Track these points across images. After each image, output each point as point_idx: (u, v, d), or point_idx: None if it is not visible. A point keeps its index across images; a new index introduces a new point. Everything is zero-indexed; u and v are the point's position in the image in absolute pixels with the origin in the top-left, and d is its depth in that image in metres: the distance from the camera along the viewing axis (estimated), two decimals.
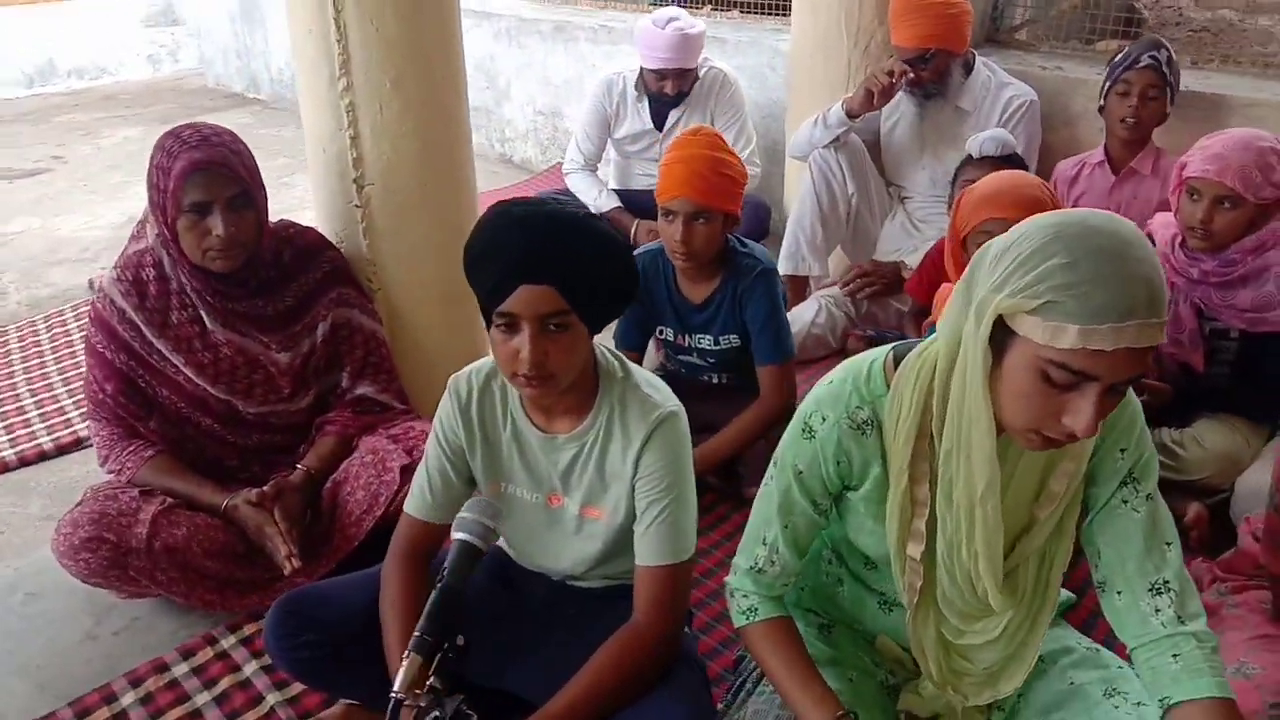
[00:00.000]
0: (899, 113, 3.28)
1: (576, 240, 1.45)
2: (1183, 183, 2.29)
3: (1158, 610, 1.30)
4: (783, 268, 3.33)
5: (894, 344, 1.43)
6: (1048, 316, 1.10)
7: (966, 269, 1.27)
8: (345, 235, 2.28)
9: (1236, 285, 2.28)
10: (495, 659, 1.68)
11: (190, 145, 1.93)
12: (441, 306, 2.40)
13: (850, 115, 3.11)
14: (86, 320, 2.11)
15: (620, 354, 1.66)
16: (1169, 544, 1.32)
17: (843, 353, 3.13)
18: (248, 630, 2.00)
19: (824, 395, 1.41)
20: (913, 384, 1.32)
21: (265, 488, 2.06)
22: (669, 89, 3.61)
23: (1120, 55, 2.85)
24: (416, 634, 1.25)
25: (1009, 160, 2.57)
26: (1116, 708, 1.40)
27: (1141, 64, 2.76)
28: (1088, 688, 1.44)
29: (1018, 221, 1.98)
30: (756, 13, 4.66)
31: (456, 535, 1.34)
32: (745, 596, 1.51)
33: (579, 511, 1.65)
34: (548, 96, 5.14)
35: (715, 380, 2.48)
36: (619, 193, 3.87)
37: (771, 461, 1.49)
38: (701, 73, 3.70)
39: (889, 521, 1.39)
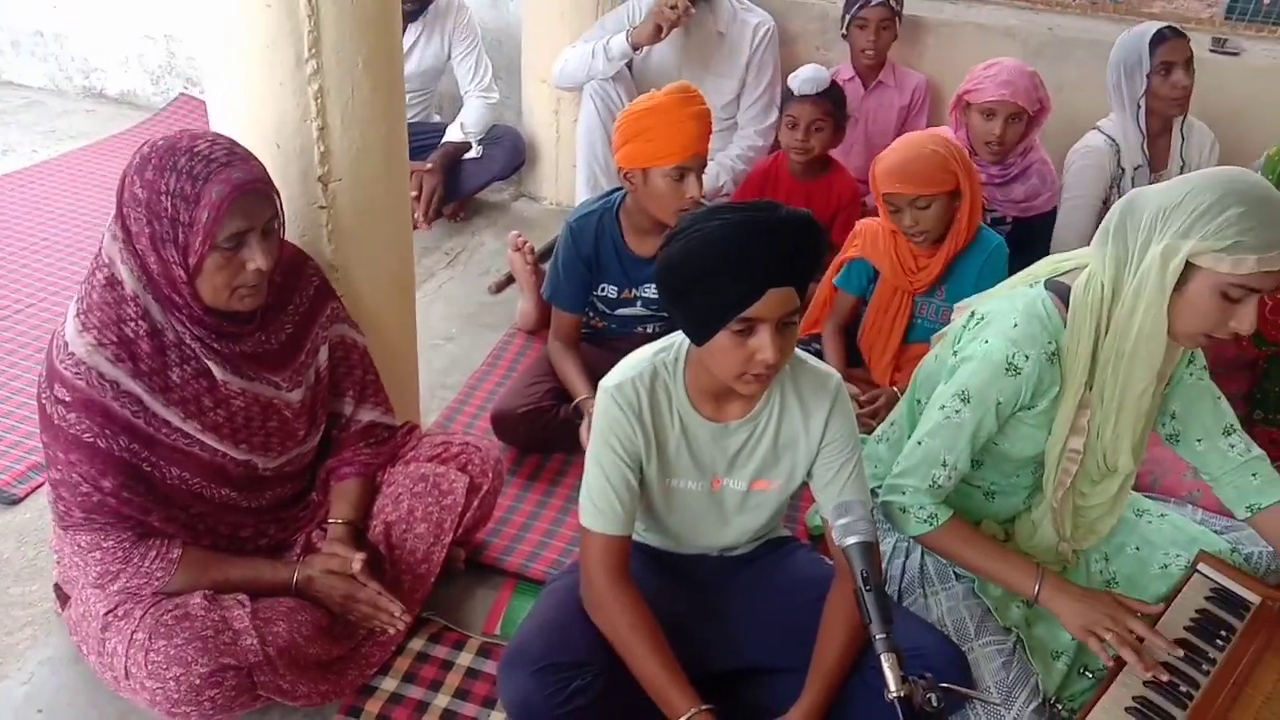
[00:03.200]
0: None
1: (814, 239, 1.52)
2: (968, 106, 2.84)
3: (1232, 446, 1.82)
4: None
5: (1043, 283, 1.75)
6: (1232, 251, 1.50)
7: (1110, 223, 1.65)
8: (305, 241, 1.93)
9: (1011, 183, 2.93)
10: (720, 642, 1.76)
11: (221, 163, 1.53)
12: (396, 303, 2.15)
13: (635, 48, 3.21)
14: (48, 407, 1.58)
15: None
16: (1219, 398, 1.84)
17: None
18: (372, 707, 1.77)
19: (1017, 336, 1.68)
20: (1089, 317, 1.67)
21: (334, 548, 1.79)
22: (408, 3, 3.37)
23: None
24: (880, 636, 1.32)
25: (828, 94, 2.93)
26: (1150, 523, 1.94)
27: (874, 1, 3.29)
28: (1126, 514, 1.95)
29: (918, 194, 2.34)
30: None
31: (849, 540, 1.40)
32: (922, 508, 1.78)
33: (746, 487, 1.75)
34: (158, 18, 4.35)
35: (649, 330, 2.57)
36: None
37: (955, 396, 1.73)
38: None
39: (1059, 423, 1.74)
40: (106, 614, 1.63)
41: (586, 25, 3.45)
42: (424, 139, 3.57)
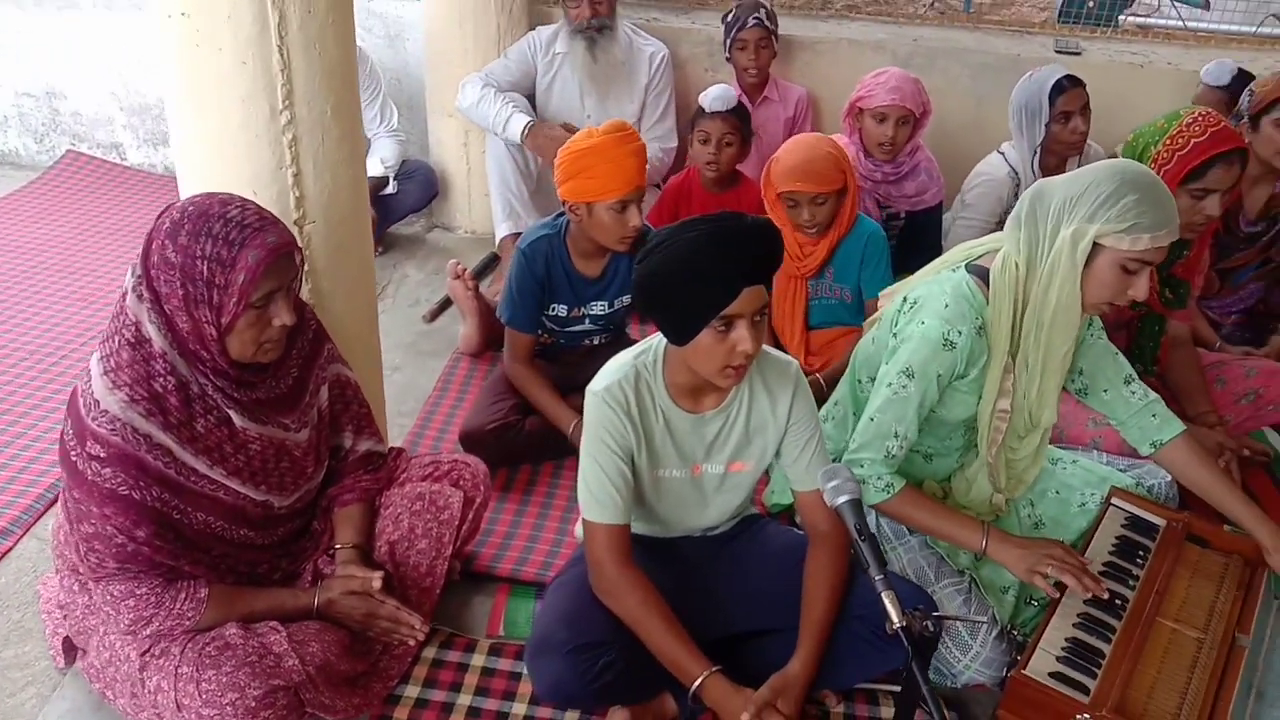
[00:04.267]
0: (556, 69, 3.61)
1: (777, 240, 1.73)
2: (861, 112, 3.13)
3: (1133, 393, 2.11)
4: (503, 230, 3.55)
5: (963, 266, 1.99)
6: (1131, 232, 1.78)
7: (1021, 211, 1.90)
8: None
9: (903, 180, 3.22)
10: (715, 613, 1.94)
11: (254, 228, 1.61)
12: (364, 335, 2.26)
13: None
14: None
15: None
16: (1117, 354, 2.14)
17: None
18: (401, 714, 1.88)
19: (950, 315, 1.92)
20: (1008, 293, 1.92)
21: (349, 570, 1.89)
22: None
23: (730, 16, 3.62)
24: (879, 577, 1.52)
25: (736, 112, 3.16)
26: (1064, 469, 2.23)
27: (750, 24, 3.56)
28: (1044, 463, 2.23)
29: (818, 192, 2.59)
30: None
31: (841, 499, 1.60)
32: (880, 478, 1.99)
33: (724, 470, 1.94)
34: (39, 76, 4.27)
35: (596, 341, 2.74)
36: None
37: (900, 374, 1.95)
38: None
39: (988, 387, 1.99)
40: (143, 655, 1.69)
41: (490, 59, 3.60)
42: None
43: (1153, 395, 2.12)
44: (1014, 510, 2.21)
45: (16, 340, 3.12)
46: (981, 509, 2.16)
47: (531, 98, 3.65)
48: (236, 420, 1.74)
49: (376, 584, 1.86)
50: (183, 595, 1.71)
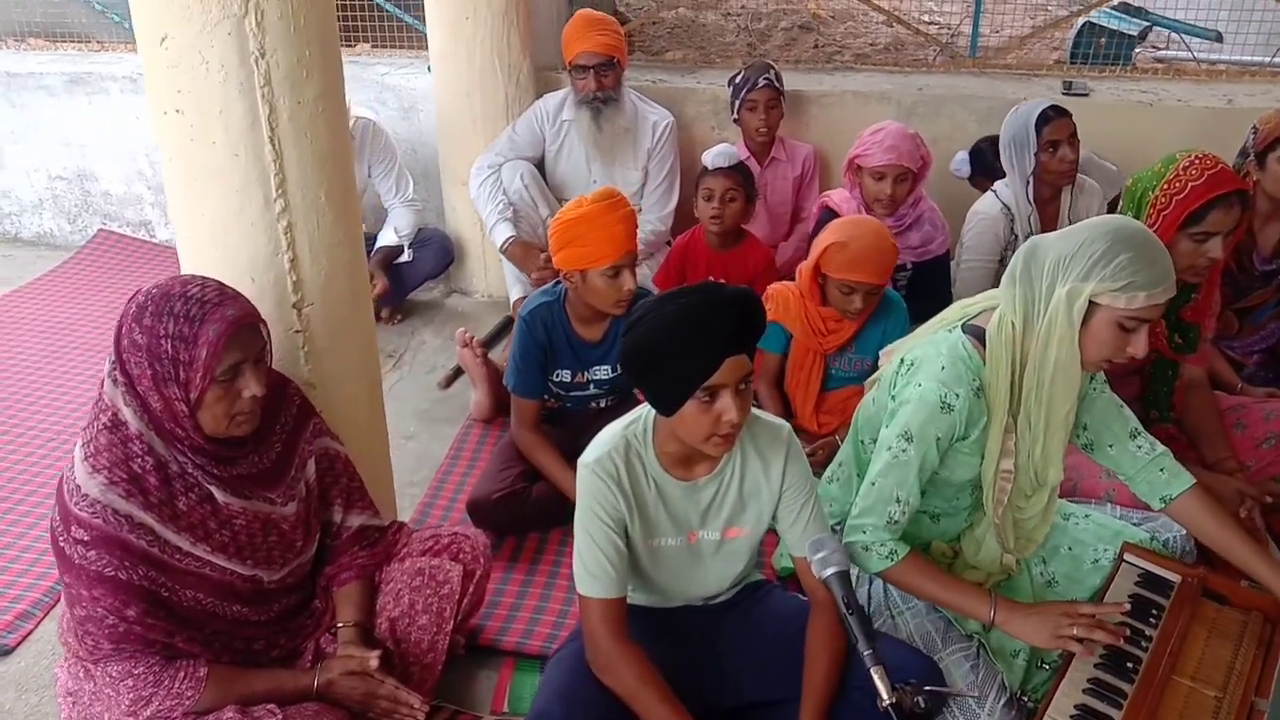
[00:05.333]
0: (564, 136, 3.68)
1: (758, 310, 1.74)
2: (859, 169, 3.14)
3: (1139, 447, 2.07)
4: (515, 292, 3.60)
5: (959, 326, 1.98)
6: (1126, 290, 1.76)
7: (1015, 269, 1.88)
8: (284, 364, 2.06)
9: (907, 231, 3.22)
10: (718, 684, 1.92)
11: (213, 303, 1.67)
12: (368, 409, 2.29)
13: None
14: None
15: None
16: (1122, 406, 2.10)
17: None
18: None
19: (946, 378, 1.90)
20: (1005, 354, 1.90)
21: (348, 650, 1.89)
22: None
23: (740, 78, 3.65)
24: (868, 652, 1.50)
25: (738, 169, 3.19)
26: (1077, 524, 2.19)
27: (760, 85, 3.59)
28: (1056, 519, 2.18)
29: (881, 284, 2.59)
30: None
31: (828, 571, 1.59)
32: (883, 545, 1.95)
33: (720, 537, 1.93)
34: (71, 159, 4.43)
35: (602, 405, 2.75)
36: None
37: (899, 438, 1.93)
38: (350, 123, 3.65)
39: (990, 447, 1.96)
40: None
41: (498, 130, 3.68)
42: None
43: (1160, 448, 2.08)
44: (1026, 569, 2.16)
45: (45, 422, 3.20)
46: (992, 569, 2.12)
47: (541, 163, 3.72)
48: (219, 496, 1.77)
49: (373, 663, 1.86)
50: (181, 674, 1.73)
